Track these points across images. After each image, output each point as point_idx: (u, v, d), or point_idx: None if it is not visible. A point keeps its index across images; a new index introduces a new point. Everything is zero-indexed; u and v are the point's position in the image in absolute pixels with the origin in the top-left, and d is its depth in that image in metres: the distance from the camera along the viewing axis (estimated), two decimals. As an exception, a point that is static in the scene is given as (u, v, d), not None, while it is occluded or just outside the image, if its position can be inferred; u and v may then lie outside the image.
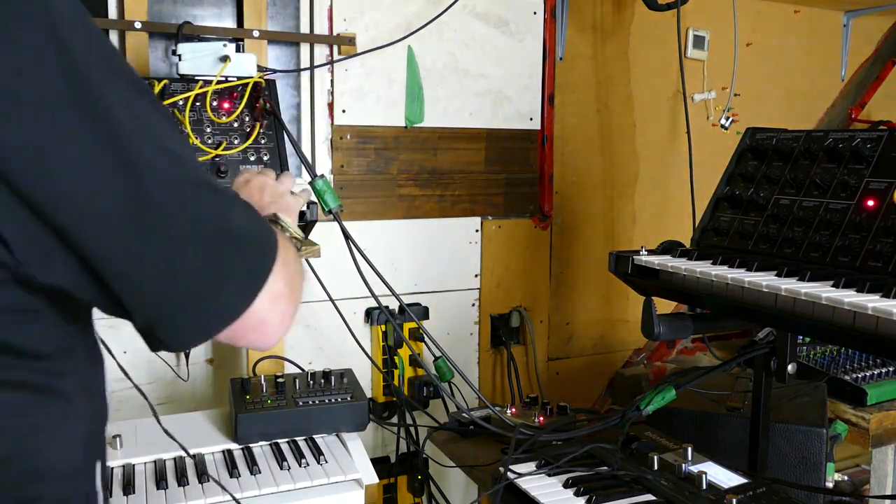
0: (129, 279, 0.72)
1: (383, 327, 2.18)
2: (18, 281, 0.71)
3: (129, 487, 1.43)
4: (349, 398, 1.68)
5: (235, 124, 1.71)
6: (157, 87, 1.66)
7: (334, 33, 2.09)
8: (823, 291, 1.14)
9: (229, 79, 1.70)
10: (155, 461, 1.53)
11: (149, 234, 0.71)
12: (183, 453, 1.53)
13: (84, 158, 0.68)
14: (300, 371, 1.88)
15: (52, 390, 0.78)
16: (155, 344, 0.79)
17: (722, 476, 1.38)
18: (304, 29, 2.09)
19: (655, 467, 1.42)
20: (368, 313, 2.19)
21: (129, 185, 0.70)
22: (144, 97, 0.75)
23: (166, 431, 1.47)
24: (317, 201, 1.54)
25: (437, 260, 2.32)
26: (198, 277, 0.75)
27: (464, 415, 1.81)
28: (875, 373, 2.12)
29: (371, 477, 1.54)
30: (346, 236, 1.56)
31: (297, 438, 1.64)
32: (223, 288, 0.76)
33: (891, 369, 2.15)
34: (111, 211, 0.70)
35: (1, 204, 0.67)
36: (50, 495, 0.79)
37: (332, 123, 2.13)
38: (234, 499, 1.41)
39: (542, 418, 1.76)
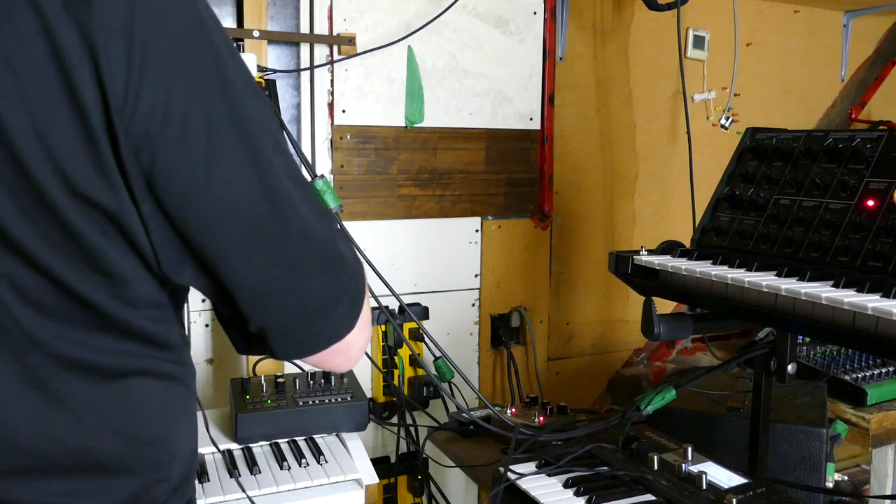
0: (254, 294, 0.76)
1: (383, 327, 2.18)
2: (156, 278, 0.75)
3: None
4: (349, 398, 1.68)
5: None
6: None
7: (334, 33, 2.09)
8: (823, 291, 1.13)
9: (229, 79, 1.69)
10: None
11: (280, 255, 0.75)
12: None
13: (232, 180, 0.71)
14: (300, 371, 1.88)
15: (180, 378, 0.83)
16: (259, 349, 0.82)
17: (722, 476, 1.38)
18: (304, 29, 2.09)
19: (655, 467, 1.42)
20: (368, 313, 2.19)
21: (268, 207, 0.73)
22: (270, 111, 0.77)
23: (209, 434, 1.49)
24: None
25: (437, 260, 2.32)
26: (317, 299, 0.78)
27: (464, 415, 1.81)
28: (875, 373, 2.12)
29: (371, 477, 1.54)
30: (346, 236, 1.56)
31: (297, 438, 1.64)
32: (334, 311, 0.80)
33: (891, 369, 2.15)
34: (249, 231, 0.73)
35: (149, 214, 0.70)
36: (179, 474, 0.84)
37: (332, 123, 2.13)
38: (249, 498, 1.41)
39: (542, 418, 1.76)
